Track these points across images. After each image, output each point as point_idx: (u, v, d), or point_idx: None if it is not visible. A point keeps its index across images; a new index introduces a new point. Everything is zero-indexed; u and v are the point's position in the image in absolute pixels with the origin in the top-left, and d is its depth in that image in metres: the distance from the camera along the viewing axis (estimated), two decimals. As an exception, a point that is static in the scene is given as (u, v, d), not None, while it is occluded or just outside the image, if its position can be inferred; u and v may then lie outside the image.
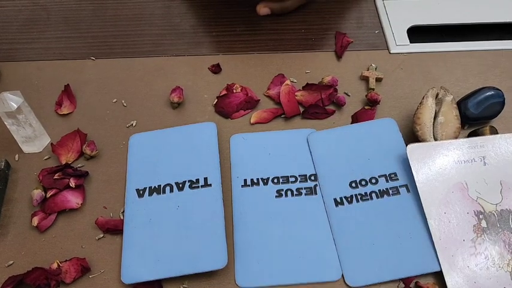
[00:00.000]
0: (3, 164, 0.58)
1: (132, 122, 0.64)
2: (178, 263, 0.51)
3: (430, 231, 0.53)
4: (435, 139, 0.58)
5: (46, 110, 0.65)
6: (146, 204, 0.56)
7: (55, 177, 0.58)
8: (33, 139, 0.60)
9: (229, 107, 0.65)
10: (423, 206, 0.54)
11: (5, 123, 0.57)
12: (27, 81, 0.68)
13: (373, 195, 0.56)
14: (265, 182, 0.58)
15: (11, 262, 0.54)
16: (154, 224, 0.54)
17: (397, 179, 0.57)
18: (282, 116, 0.65)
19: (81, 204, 0.57)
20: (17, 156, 0.61)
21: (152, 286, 0.51)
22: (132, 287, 0.51)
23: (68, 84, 0.67)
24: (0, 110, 0.55)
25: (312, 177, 0.58)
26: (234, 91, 0.66)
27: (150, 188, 0.57)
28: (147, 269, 0.51)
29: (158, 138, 0.61)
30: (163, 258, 0.52)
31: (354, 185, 0.57)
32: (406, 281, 0.51)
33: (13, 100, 0.55)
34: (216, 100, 0.66)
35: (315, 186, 0.58)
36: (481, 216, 0.53)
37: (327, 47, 0.72)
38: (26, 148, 0.60)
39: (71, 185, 0.57)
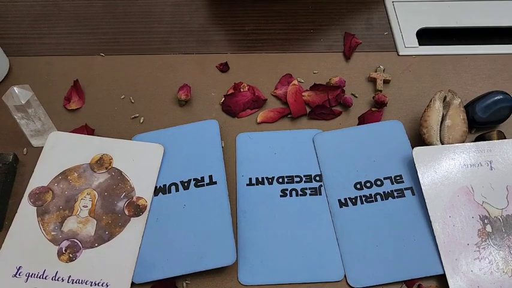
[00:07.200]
0: (11, 157, 0.58)
1: (139, 118, 0.64)
2: (188, 261, 0.52)
3: (434, 234, 0.53)
4: (442, 142, 0.58)
5: (55, 105, 0.66)
6: (152, 204, 0.56)
7: (62, 171, 0.58)
8: (42, 133, 0.60)
9: (236, 106, 0.65)
10: (428, 209, 0.54)
11: (15, 116, 0.57)
12: (37, 76, 0.69)
13: (378, 197, 0.56)
14: (270, 181, 0.58)
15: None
16: (161, 223, 0.55)
17: (403, 182, 0.57)
18: (289, 116, 0.65)
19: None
20: (25, 150, 0.61)
21: (166, 285, 0.51)
22: (149, 286, 0.52)
23: (77, 80, 0.67)
24: (9, 103, 0.55)
25: (317, 178, 0.58)
26: (242, 90, 0.66)
27: (155, 187, 0.57)
28: (157, 268, 0.52)
29: (161, 137, 0.61)
30: (173, 257, 0.52)
31: (358, 186, 0.57)
32: (409, 283, 0.51)
33: (22, 94, 0.56)
34: (223, 99, 0.66)
35: (320, 186, 0.58)
36: (486, 221, 0.53)
37: (335, 48, 0.72)
38: (35, 142, 0.61)
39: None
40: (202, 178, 0.57)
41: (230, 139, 0.62)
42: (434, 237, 0.53)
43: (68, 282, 0.51)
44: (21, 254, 0.52)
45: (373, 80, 0.68)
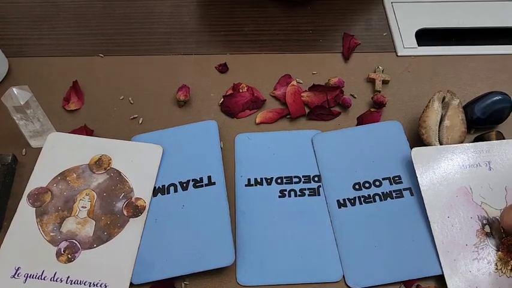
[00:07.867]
0: (10, 158, 0.58)
1: (138, 119, 0.64)
2: (187, 262, 0.52)
3: (432, 234, 0.53)
4: (440, 143, 0.58)
5: (54, 106, 0.66)
6: (151, 205, 0.56)
7: (61, 172, 0.58)
8: (40, 134, 0.60)
9: (235, 107, 0.65)
10: (426, 209, 0.54)
11: (14, 117, 0.57)
12: (36, 77, 0.69)
13: (377, 197, 0.56)
14: (269, 181, 0.58)
15: (16, 255, 0.54)
16: (160, 224, 0.55)
17: (401, 182, 0.57)
18: (288, 116, 0.65)
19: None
20: (24, 150, 0.61)
21: (165, 285, 0.51)
22: (148, 287, 0.52)
23: (76, 81, 0.67)
24: (8, 104, 0.55)
25: (316, 178, 0.58)
26: (240, 91, 0.66)
27: (154, 188, 0.57)
28: (156, 269, 0.52)
29: (160, 138, 0.61)
30: (171, 258, 0.52)
31: (357, 187, 0.57)
32: (408, 283, 0.51)
33: (21, 95, 0.56)
34: (222, 99, 0.66)
35: (319, 187, 0.58)
36: (484, 221, 0.53)
37: (334, 49, 0.72)
38: (34, 143, 0.61)
39: (76, 180, 0.58)
40: (201, 179, 0.57)
41: (229, 140, 0.62)
42: (433, 237, 0.53)
43: (66, 283, 0.51)
44: (19, 255, 0.52)
45: (372, 81, 0.68)
